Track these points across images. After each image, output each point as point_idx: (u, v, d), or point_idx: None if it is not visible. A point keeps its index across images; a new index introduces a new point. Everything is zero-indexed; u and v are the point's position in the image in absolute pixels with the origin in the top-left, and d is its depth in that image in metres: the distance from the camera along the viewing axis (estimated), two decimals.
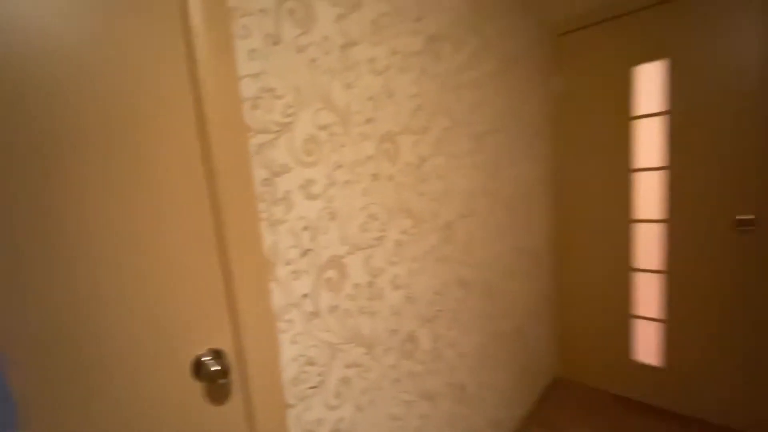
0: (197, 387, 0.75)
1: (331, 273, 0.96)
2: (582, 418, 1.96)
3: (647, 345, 1.96)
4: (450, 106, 1.36)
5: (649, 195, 1.85)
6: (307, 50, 0.88)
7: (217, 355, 0.77)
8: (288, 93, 0.84)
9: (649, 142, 1.82)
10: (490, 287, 1.63)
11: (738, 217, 1.62)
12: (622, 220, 1.95)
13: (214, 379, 0.75)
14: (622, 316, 2.02)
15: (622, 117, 1.88)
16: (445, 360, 1.38)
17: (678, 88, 1.69)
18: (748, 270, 1.63)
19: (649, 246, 1.89)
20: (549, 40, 2.02)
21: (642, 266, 1.92)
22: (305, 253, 0.89)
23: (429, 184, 1.27)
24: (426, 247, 1.27)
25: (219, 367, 0.74)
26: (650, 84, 1.79)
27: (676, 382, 1.88)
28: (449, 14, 1.33)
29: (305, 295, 0.90)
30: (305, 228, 0.89)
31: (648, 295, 1.93)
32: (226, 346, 0.79)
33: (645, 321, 1.95)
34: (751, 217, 1.59)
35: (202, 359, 0.74)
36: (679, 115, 1.70)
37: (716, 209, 1.67)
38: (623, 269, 1.98)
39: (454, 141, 1.39)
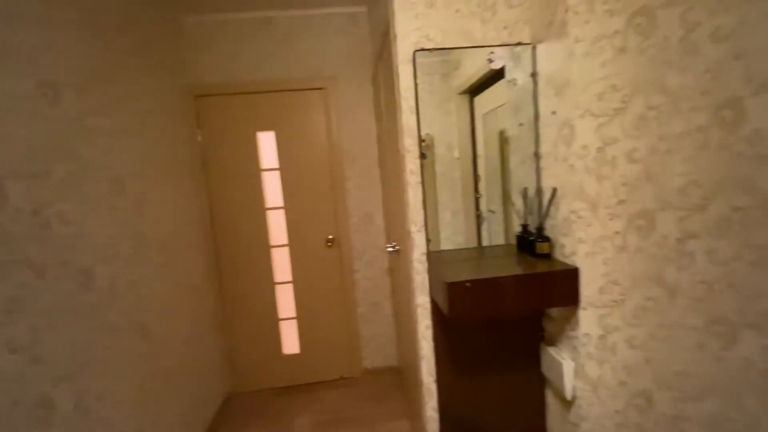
0: None
1: None
2: (250, 420, 2.31)
3: (290, 339, 2.61)
4: (77, 150, 1.34)
5: (278, 226, 2.52)
6: None
7: None
8: None
9: (273, 188, 2.49)
10: (146, 328, 1.67)
11: (328, 237, 2.54)
12: (264, 246, 2.52)
13: None
14: (273, 322, 2.57)
15: (254, 168, 2.46)
16: (96, 413, 1.30)
17: (282, 152, 2.46)
18: (335, 271, 2.57)
19: (282, 264, 2.55)
20: (188, 100, 2.33)
21: (280, 280, 2.56)
22: None
23: (53, 230, 1.20)
24: (56, 297, 1.19)
25: None
26: (269, 146, 2.47)
27: (309, 360, 2.62)
28: (69, 62, 1.34)
29: None
30: None
31: (287, 301, 2.58)
32: None
33: (287, 321, 2.59)
34: (332, 237, 2.54)
35: None
36: (286, 171, 2.47)
37: (316, 233, 2.53)
38: (269, 284, 2.55)
39: (86, 185, 1.38)
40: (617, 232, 1.19)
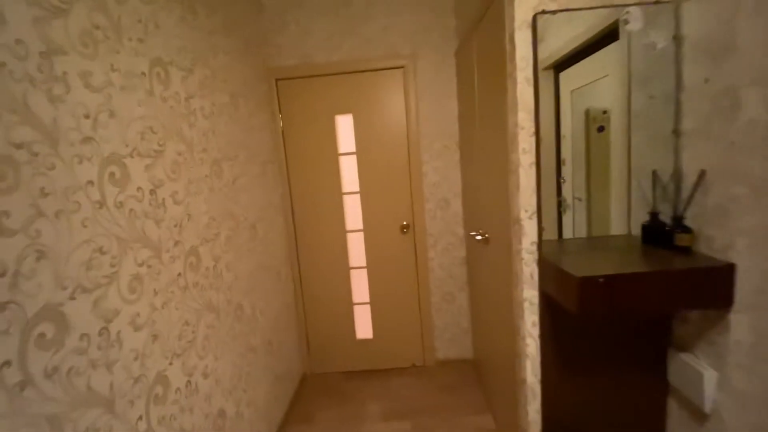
0: None
1: (44, 327, 0.78)
2: (326, 401, 2.33)
3: (364, 324, 2.58)
4: (182, 131, 1.35)
5: (353, 211, 2.48)
6: None
7: None
8: None
9: (350, 173, 2.44)
10: (239, 307, 1.69)
11: (402, 223, 2.45)
12: (340, 231, 2.49)
13: None
14: (347, 306, 2.56)
15: (332, 152, 2.42)
16: (201, 391, 1.33)
17: (360, 136, 2.38)
18: (409, 258, 2.49)
19: (357, 249, 2.51)
20: (270, 83, 2.32)
21: (355, 265, 2.53)
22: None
23: (167, 210, 1.22)
24: (171, 277, 1.20)
25: None
26: (347, 130, 2.41)
27: (381, 346, 2.59)
28: (175, 41, 1.34)
29: None
30: None
31: (360, 286, 2.55)
32: None
33: (360, 306, 2.57)
34: (407, 223, 2.44)
35: None
36: (362, 155, 2.40)
37: (391, 219, 2.45)
38: (344, 269, 2.53)
39: (192, 166, 1.39)
40: None
